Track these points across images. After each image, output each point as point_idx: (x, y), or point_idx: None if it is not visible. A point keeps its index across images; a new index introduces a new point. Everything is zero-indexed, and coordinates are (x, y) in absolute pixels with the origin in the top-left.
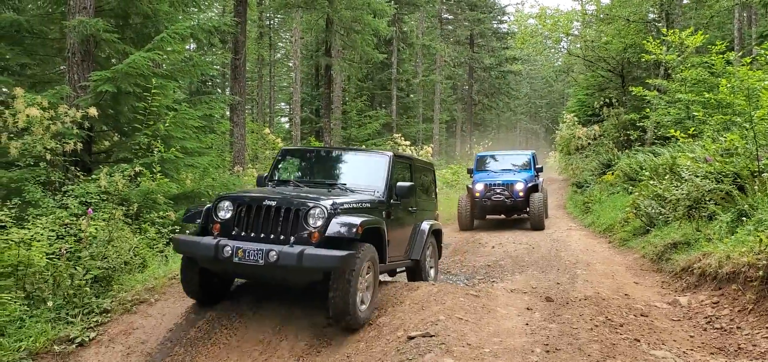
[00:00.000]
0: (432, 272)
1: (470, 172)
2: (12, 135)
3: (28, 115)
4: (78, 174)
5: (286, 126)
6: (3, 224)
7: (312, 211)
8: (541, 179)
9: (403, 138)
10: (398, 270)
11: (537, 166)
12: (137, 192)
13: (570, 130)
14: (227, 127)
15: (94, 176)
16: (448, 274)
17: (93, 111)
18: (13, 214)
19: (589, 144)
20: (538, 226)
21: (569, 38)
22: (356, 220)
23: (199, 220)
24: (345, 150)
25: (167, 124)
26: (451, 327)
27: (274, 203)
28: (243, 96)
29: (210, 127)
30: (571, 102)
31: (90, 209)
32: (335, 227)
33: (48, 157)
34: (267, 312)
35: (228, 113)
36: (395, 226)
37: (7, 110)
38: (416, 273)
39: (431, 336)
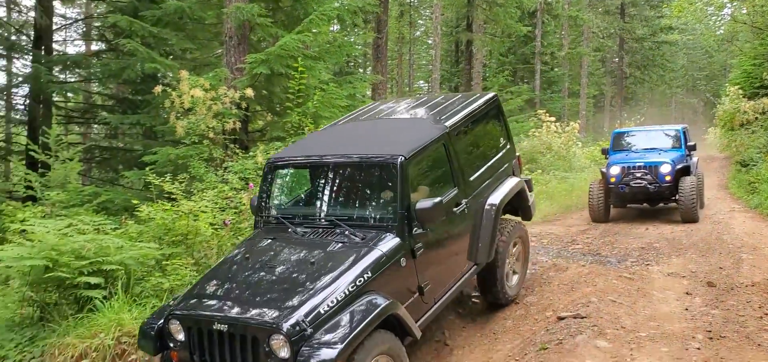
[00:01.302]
0: (514, 280)
1: (605, 152)
2: (179, 115)
3: (192, 96)
4: (236, 151)
5: None
6: (174, 197)
7: (272, 340)
8: (694, 159)
9: (547, 113)
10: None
11: (688, 144)
12: None
13: (734, 103)
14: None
15: (250, 153)
16: (597, 256)
17: (249, 92)
18: (183, 188)
19: (756, 118)
20: (690, 218)
21: (734, 4)
22: (332, 354)
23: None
24: (349, 151)
25: (316, 104)
26: (603, 309)
27: (225, 327)
28: (385, 75)
29: (354, 106)
30: (734, 73)
31: (251, 184)
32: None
33: (210, 135)
34: None
35: (368, 92)
36: (430, 253)
37: (174, 92)
38: (487, 280)
39: (582, 318)
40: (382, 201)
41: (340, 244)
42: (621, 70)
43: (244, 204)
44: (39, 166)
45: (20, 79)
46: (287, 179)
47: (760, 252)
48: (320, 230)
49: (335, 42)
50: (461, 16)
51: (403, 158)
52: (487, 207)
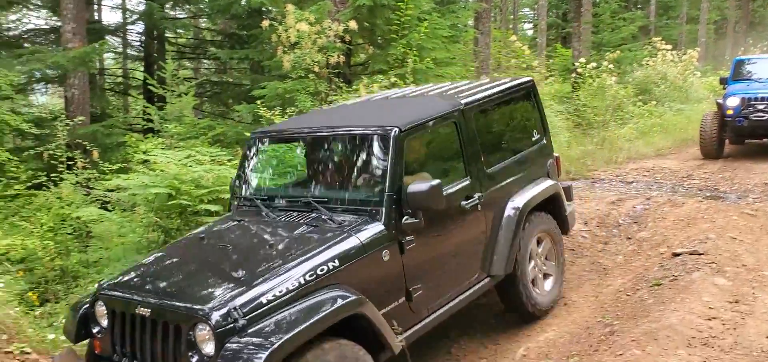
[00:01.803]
0: (547, 284)
1: (723, 81)
2: (285, 49)
3: (298, 30)
4: (340, 85)
5: (529, 33)
6: None
7: (197, 330)
8: None
9: (663, 41)
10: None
11: None
12: None
13: None
14: (472, 36)
15: (353, 87)
16: (715, 191)
17: (352, 24)
18: None
19: None
20: None
21: None
22: (260, 356)
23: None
24: (338, 123)
25: (421, 34)
26: (722, 246)
27: (148, 312)
28: (489, 2)
29: (457, 37)
30: None
31: None
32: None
33: (316, 69)
34: None
35: (470, 22)
36: (424, 250)
37: (280, 26)
38: (510, 293)
39: (700, 254)
40: (370, 181)
41: (311, 228)
42: None
43: None
44: (155, 99)
45: (135, 16)
46: (271, 156)
47: None
48: (295, 213)
49: None
50: None
51: (398, 130)
52: (509, 209)
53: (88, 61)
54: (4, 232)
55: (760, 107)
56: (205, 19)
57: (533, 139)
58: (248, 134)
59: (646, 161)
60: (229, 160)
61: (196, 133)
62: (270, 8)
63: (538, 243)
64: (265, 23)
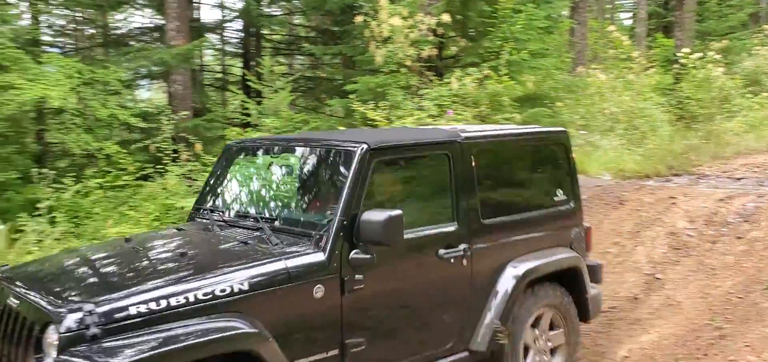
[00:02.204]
0: None
1: None
2: (378, 44)
3: (391, 25)
4: (431, 79)
5: (628, 22)
6: (376, 124)
7: (47, 331)
8: None
9: None
10: None
11: None
12: (485, 94)
13: None
14: (567, 26)
15: (445, 80)
16: None
17: (446, 17)
18: (384, 115)
19: None
20: None
21: None
22: None
23: None
24: (306, 140)
25: (519, 26)
26: None
27: (15, 304)
28: None
29: (552, 27)
30: None
31: (450, 111)
32: None
33: (408, 63)
34: None
35: (564, 12)
36: (375, 297)
37: (373, 21)
38: None
39: None
40: (326, 203)
41: (241, 246)
42: None
43: None
44: (251, 94)
45: (234, 13)
46: (241, 168)
47: None
48: (241, 229)
49: None
50: None
51: (366, 147)
52: (507, 274)
53: (191, 57)
54: (114, 221)
55: None
56: (299, 16)
57: (556, 199)
58: (342, 128)
59: (757, 156)
60: None
61: (292, 126)
62: (363, 4)
63: (536, 321)
64: (359, 18)
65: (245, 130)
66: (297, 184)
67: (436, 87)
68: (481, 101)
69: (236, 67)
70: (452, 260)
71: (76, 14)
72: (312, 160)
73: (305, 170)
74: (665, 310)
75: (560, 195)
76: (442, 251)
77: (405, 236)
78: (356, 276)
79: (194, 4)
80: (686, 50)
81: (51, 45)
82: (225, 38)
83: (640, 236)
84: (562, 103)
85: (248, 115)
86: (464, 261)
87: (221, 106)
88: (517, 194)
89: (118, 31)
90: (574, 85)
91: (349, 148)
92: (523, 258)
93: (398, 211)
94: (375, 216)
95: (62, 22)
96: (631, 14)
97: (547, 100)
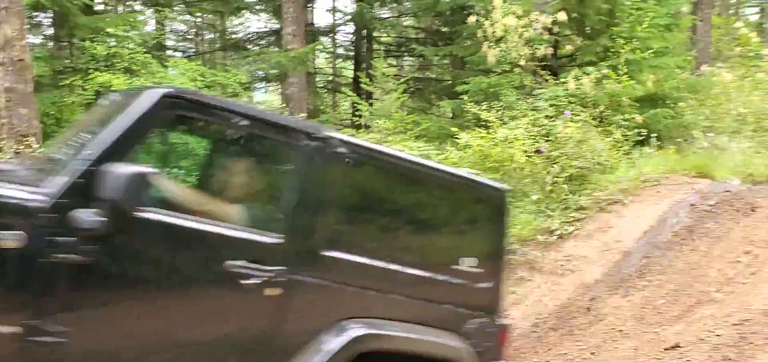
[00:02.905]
0: None
1: None
2: (491, 44)
3: (505, 24)
4: (546, 78)
5: (754, 18)
6: (489, 124)
7: None
8: None
9: None
10: None
11: None
12: (603, 94)
13: None
14: (689, 23)
15: (561, 79)
16: None
17: (561, 15)
18: (497, 116)
19: None
20: None
21: None
22: None
23: None
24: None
25: (643, 25)
26: None
27: None
28: None
29: (674, 24)
30: None
31: (567, 111)
32: None
33: (522, 62)
34: None
35: (683, 9)
36: (115, 284)
37: (486, 21)
38: None
39: None
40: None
41: None
42: None
43: (557, 132)
44: (362, 95)
45: (346, 17)
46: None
47: None
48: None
49: None
50: None
51: (163, 92)
52: (334, 332)
53: (306, 60)
54: None
55: None
56: (409, 18)
57: (460, 267)
58: (455, 129)
59: None
60: (437, 155)
61: (403, 127)
62: (474, 4)
63: None
64: (472, 19)
65: (359, 130)
66: (93, 128)
67: (551, 87)
68: (600, 101)
69: (347, 70)
70: (252, 282)
71: (197, 19)
72: (116, 106)
73: (105, 115)
74: None
75: (469, 266)
76: (232, 262)
77: (172, 214)
78: (75, 240)
79: (308, 9)
80: None
81: (174, 49)
82: (337, 41)
83: None
84: (685, 103)
85: (360, 116)
86: (275, 290)
87: (332, 108)
88: (397, 239)
89: (236, 36)
90: (699, 85)
91: (145, 91)
92: (370, 321)
93: (152, 168)
94: (120, 168)
95: (184, 27)
96: (758, 9)
97: (669, 100)
